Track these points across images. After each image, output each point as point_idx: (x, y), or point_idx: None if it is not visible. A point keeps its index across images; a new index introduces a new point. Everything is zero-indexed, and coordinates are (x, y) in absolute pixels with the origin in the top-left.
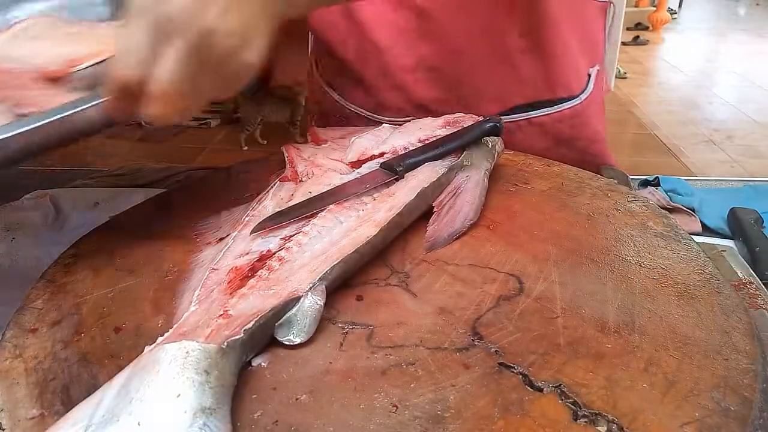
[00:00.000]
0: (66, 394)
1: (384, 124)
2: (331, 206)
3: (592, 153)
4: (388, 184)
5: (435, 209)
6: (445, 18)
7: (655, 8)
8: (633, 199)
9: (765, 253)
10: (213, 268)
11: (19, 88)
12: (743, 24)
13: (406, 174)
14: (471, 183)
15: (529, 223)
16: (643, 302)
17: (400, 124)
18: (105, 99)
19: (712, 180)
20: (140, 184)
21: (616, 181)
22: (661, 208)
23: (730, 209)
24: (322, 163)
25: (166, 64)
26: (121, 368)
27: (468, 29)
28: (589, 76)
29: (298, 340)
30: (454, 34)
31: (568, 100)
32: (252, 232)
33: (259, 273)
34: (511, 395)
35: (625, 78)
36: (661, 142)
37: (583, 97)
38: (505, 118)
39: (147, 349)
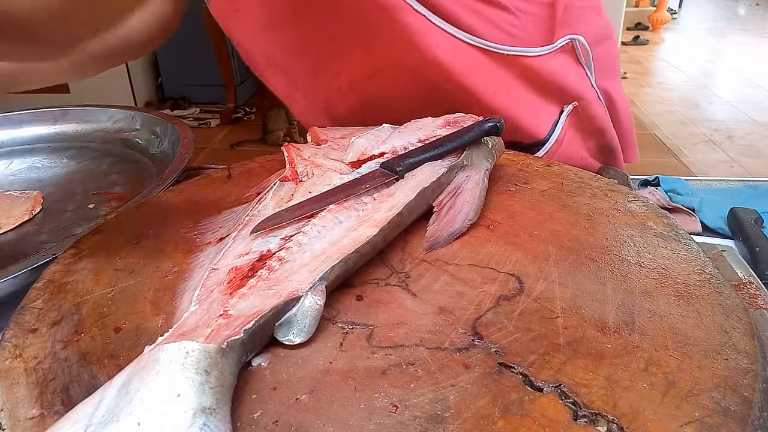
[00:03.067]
0: (66, 394)
1: (384, 124)
2: (331, 206)
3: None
4: (388, 184)
5: (435, 209)
6: (384, 101)
7: (655, 8)
8: (633, 199)
9: (765, 253)
10: (213, 268)
11: None
12: (743, 24)
13: (406, 174)
14: (471, 183)
15: (529, 223)
16: (643, 302)
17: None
18: None
19: (712, 180)
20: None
21: (616, 181)
22: (661, 208)
23: (730, 209)
24: (322, 163)
25: None
26: (121, 368)
27: (403, 110)
28: (562, 112)
29: (298, 340)
30: (394, 114)
31: (536, 146)
32: (252, 232)
33: (259, 273)
34: (511, 395)
35: (625, 78)
36: (661, 142)
37: (550, 142)
38: None
39: (147, 349)
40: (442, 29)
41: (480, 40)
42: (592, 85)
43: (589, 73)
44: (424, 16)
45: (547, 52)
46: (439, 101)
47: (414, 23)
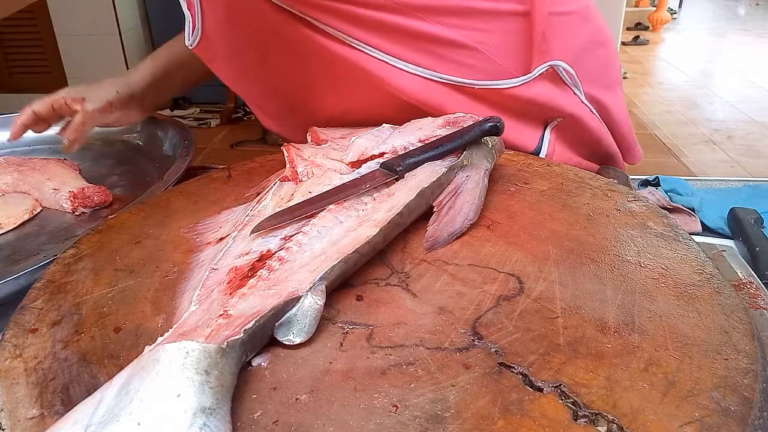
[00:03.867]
0: (66, 394)
1: (384, 124)
2: (331, 206)
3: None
4: (388, 184)
5: (435, 209)
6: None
7: (655, 8)
8: (633, 199)
9: (765, 253)
10: (213, 268)
11: None
12: (743, 24)
13: (406, 174)
14: (471, 183)
15: (529, 223)
16: (643, 302)
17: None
18: None
19: (712, 180)
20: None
21: (616, 181)
22: (661, 208)
23: (730, 209)
24: (322, 163)
25: None
26: (121, 368)
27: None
28: (546, 126)
29: (298, 340)
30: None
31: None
32: (252, 232)
33: (259, 273)
34: (511, 395)
35: (625, 78)
36: (661, 142)
37: (542, 154)
38: None
39: (147, 349)
40: (408, 71)
41: (448, 77)
42: (583, 102)
43: (577, 91)
44: (386, 62)
45: (524, 82)
46: None
47: (378, 69)
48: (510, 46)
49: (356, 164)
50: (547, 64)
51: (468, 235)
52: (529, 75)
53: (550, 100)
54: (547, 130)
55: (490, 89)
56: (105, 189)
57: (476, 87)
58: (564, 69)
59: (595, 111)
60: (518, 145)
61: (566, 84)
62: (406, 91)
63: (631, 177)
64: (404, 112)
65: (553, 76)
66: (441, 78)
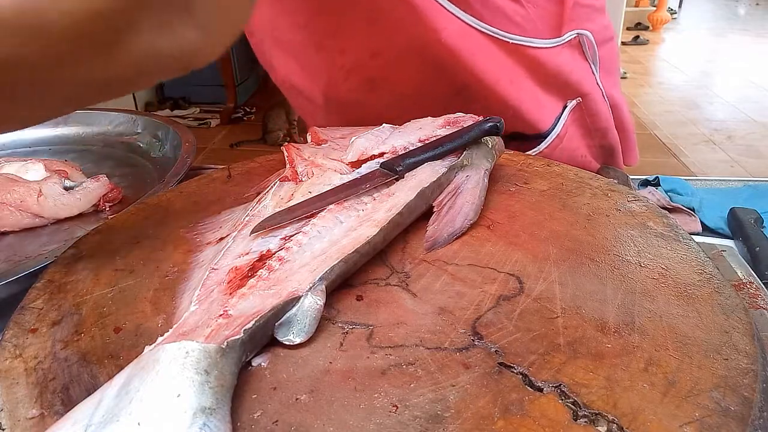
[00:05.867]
0: (66, 394)
1: (384, 124)
2: (331, 206)
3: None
4: (388, 184)
5: (435, 209)
6: (387, 80)
7: (655, 8)
8: (633, 199)
9: (765, 253)
10: (213, 268)
11: None
12: (743, 24)
13: (406, 174)
14: (471, 183)
15: (529, 223)
16: (643, 302)
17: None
18: None
19: (712, 180)
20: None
21: (616, 181)
22: (661, 208)
23: (730, 209)
24: (322, 163)
25: None
26: (121, 368)
27: (406, 89)
28: (565, 107)
29: (298, 340)
30: (397, 93)
31: (538, 138)
32: (252, 232)
33: (259, 273)
34: (511, 395)
35: (625, 78)
36: (661, 142)
37: (552, 135)
38: None
39: (147, 349)
40: (450, 12)
41: (487, 26)
42: (597, 83)
43: (594, 69)
44: None
45: (553, 45)
46: (441, 83)
47: (423, 3)
48: (547, 12)
49: (356, 164)
50: (575, 31)
51: (468, 235)
52: (559, 39)
53: (572, 72)
54: (566, 111)
55: (523, 46)
56: (117, 186)
57: (511, 42)
58: (588, 40)
59: (606, 96)
60: (537, 120)
61: (587, 59)
62: (445, 32)
63: (631, 177)
64: (430, 66)
65: (578, 48)
66: (480, 26)
